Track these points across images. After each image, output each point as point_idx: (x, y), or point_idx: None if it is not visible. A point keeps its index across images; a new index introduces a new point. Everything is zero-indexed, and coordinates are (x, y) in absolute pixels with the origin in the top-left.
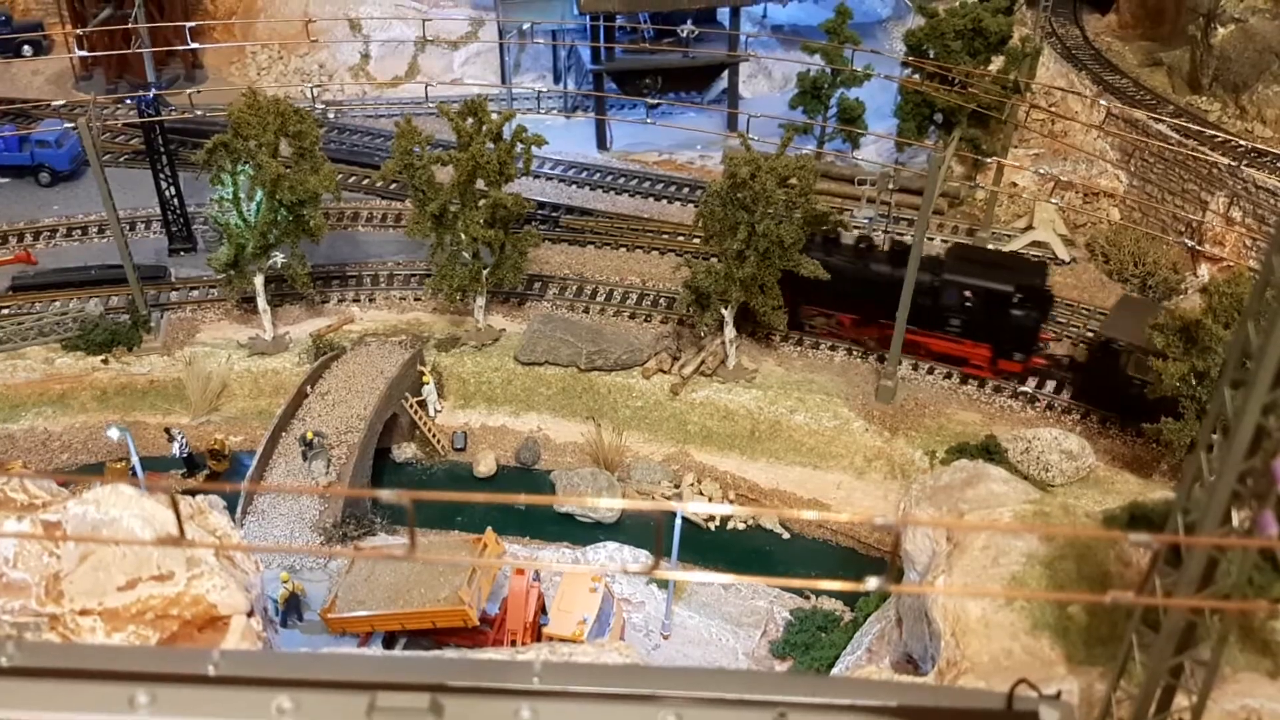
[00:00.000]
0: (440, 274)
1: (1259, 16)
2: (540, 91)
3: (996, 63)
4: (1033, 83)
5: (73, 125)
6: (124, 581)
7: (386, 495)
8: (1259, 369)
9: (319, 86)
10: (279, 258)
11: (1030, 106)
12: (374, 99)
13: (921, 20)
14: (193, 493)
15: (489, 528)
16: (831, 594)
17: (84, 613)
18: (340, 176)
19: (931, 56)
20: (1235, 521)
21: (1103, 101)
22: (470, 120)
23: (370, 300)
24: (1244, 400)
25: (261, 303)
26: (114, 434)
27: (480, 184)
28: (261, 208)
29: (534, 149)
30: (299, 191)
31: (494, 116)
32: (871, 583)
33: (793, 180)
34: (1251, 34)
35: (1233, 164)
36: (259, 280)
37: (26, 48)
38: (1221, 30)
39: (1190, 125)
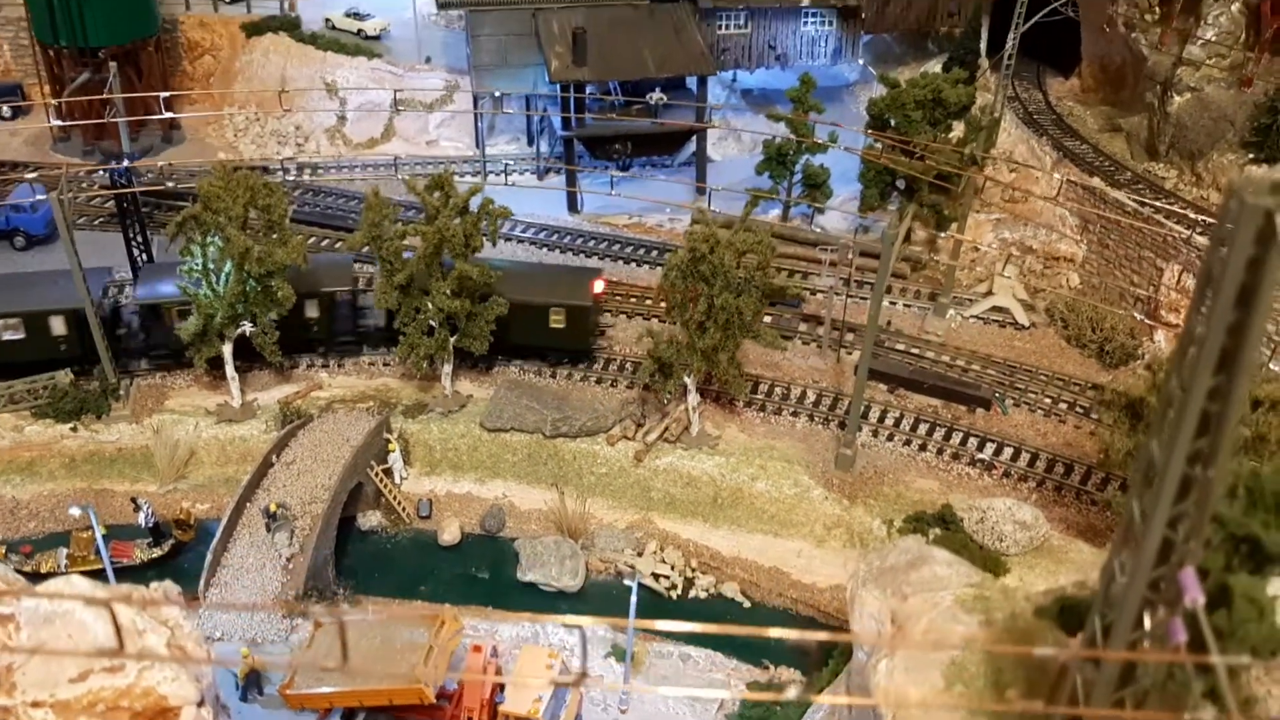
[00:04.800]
0: (407, 342)
1: (1214, 85)
2: (507, 164)
3: (958, 129)
4: (990, 153)
5: (43, 198)
6: (75, 673)
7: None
8: (1162, 483)
9: (298, 146)
10: (247, 327)
11: (985, 179)
12: (349, 161)
13: (883, 89)
14: (156, 561)
15: (446, 604)
16: (787, 663)
17: (35, 705)
18: (313, 240)
19: (893, 125)
20: (1148, 625)
21: (1056, 175)
22: (437, 194)
23: (339, 366)
24: (1150, 512)
25: (229, 370)
26: (75, 512)
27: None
28: (230, 279)
29: (509, 208)
30: (267, 263)
31: (461, 190)
32: (790, 692)
33: (750, 255)
34: (1207, 103)
35: (1185, 233)
36: (227, 349)
37: (5, 109)
38: (1177, 99)
39: (1146, 193)
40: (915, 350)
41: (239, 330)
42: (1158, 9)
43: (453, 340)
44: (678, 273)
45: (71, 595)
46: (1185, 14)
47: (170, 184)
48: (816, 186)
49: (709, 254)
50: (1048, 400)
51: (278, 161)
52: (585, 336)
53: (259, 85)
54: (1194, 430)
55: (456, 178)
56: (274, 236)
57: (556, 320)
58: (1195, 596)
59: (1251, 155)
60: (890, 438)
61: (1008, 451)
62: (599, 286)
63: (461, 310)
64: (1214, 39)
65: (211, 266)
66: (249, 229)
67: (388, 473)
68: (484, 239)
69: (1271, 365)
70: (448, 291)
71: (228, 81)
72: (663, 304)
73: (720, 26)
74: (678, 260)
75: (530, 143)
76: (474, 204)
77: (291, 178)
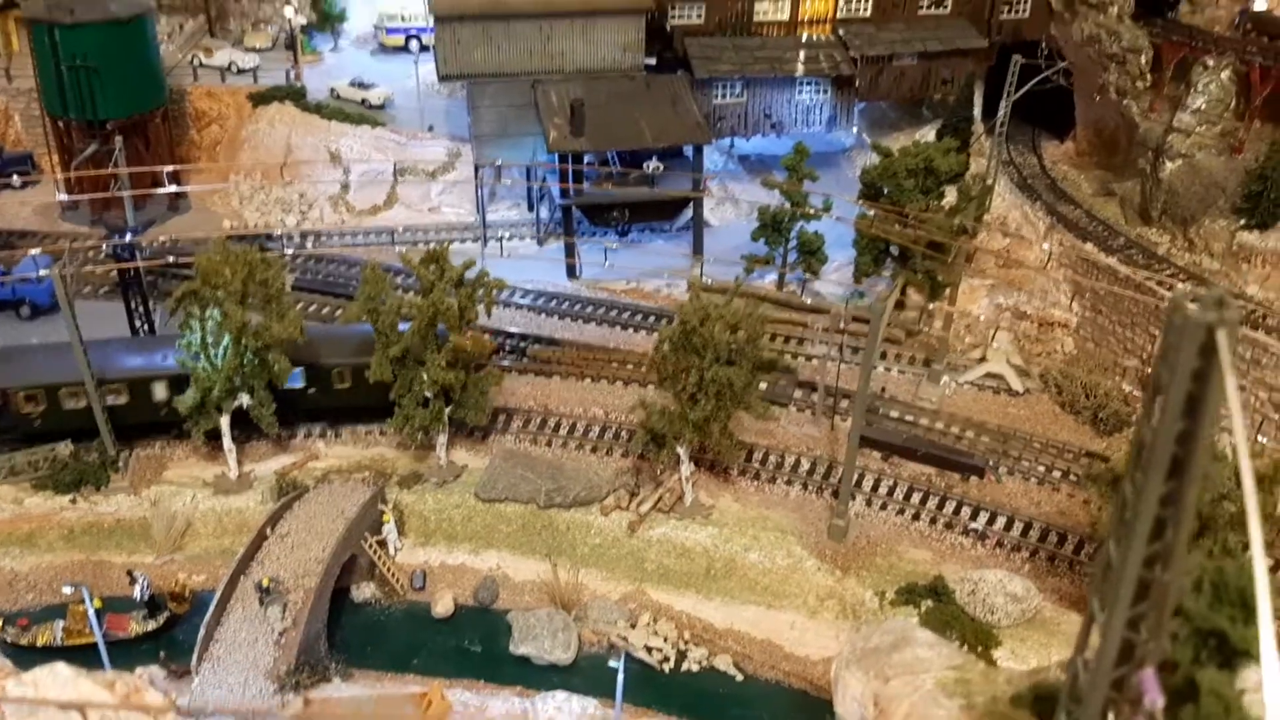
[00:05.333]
0: (403, 414)
1: (1205, 152)
2: (502, 234)
3: (951, 194)
4: (982, 221)
5: (47, 271)
6: None
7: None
8: (1120, 585)
9: (302, 213)
10: (245, 399)
11: (975, 248)
12: (352, 229)
13: (876, 158)
14: (151, 635)
15: (435, 681)
16: None
17: None
18: (314, 307)
19: (885, 193)
20: None
21: (1045, 245)
22: (432, 267)
23: (336, 435)
24: (1108, 616)
25: (227, 442)
26: (68, 590)
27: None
28: (227, 353)
29: (504, 280)
30: (264, 337)
31: (457, 261)
32: None
33: (741, 328)
34: (1198, 169)
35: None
36: (224, 421)
37: (15, 178)
38: (1169, 165)
39: (1138, 258)
40: (910, 417)
41: (236, 403)
42: (1149, 76)
43: (448, 411)
44: (670, 345)
45: (36, 701)
46: (1176, 81)
47: (170, 258)
48: (812, 253)
49: (700, 326)
50: (1041, 468)
51: (281, 229)
52: (384, 396)
53: (265, 154)
54: (1149, 534)
55: (458, 244)
56: (272, 310)
57: (341, 382)
58: (1155, 699)
59: (1243, 221)
60: (884, 507)
61: (1000, 521)
62: None
63: (456, 382)
64: (1204, 107)
65: (210, 340)
66: (249, 302)
67: (382, 544)
68: (479, 311)
69: (1260, 438)
70: (442, 364)
71: (234, 149)
72: (655, 376)
73: (717, 96)
74: (669, 333)
75: (531, 209)
76: (472, 274)
77: (293, 246)
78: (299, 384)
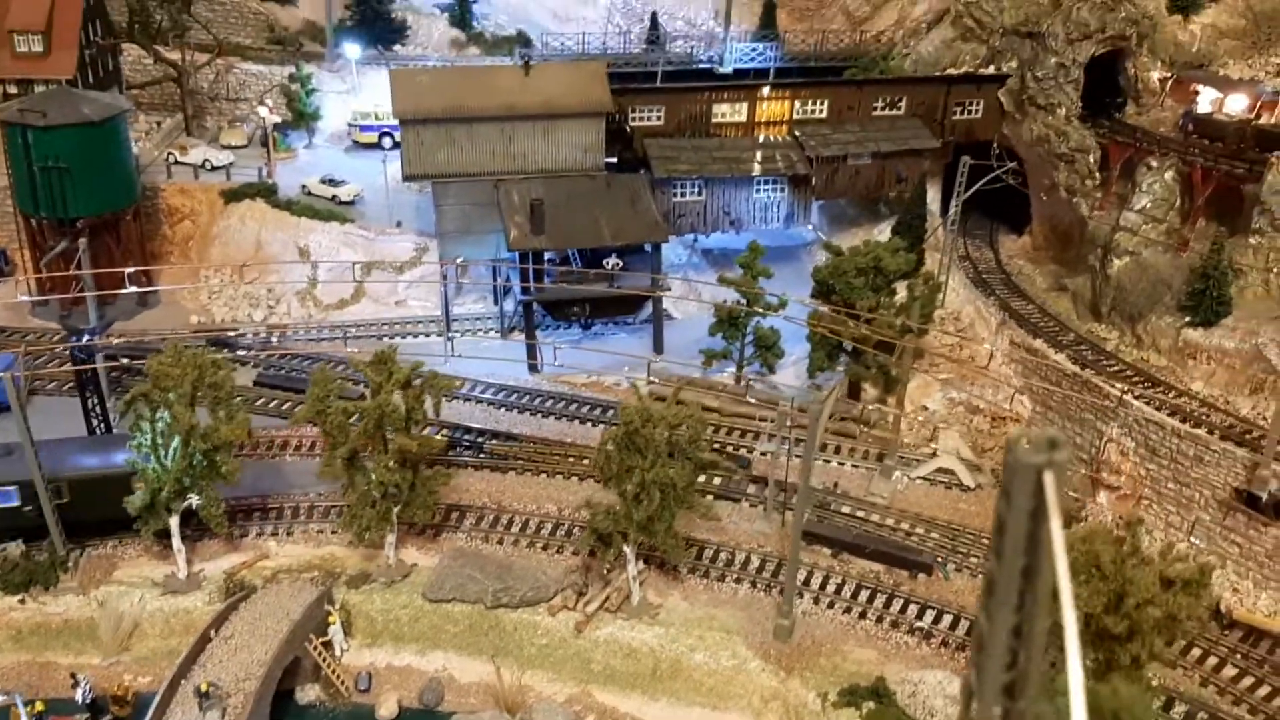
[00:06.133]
0: (350, 514)
1: (1152, 250)
2: (451, 332)
3: (903, 290)
4: (930, 319)
5: (2, 373)
6: None
7: None
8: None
9: (269, 308)
10: (194, 499)
11: (919, 348)
12: (319, 323)
13: (828, 257)
14: None
15: None
16: None
17: None
18: (275, 403)
19: (836, 290)
20: None
21: (986, 344)
22: (381, 369)
23: (288, 534)
24: None
25: (176, 542)
26: (1, 699)
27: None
28: (176, 454)
29: (454, 380)
30: (212, 439)
31: (403, 366)
32: None
33: (683, 428)
34: (1145, 266)
35: (1119, 395)
36: (174, 521)
37: None
38: (1117, 262)
39: (1088, 354)
40: (861, 513)
41: (185, 503)
42: (1097, 175)
43: (396, 511)
44: (613, 445)
45: None
46: (1123, 180)
47: (125, 360)
48: (768, 348)
49: (642, 427)
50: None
51: (247, 324)
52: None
53: (235, 249)
54: (1003, 664)
55: (422, 337)
56: (220, 413)
57: (59, 497)
58: None
59: (1188, 319)
60: (831, 605)
61: (947, 619)
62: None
63: (404, 482)
64: (1149, 205)
65: (160, 441)
66: (199, 403)
67: (327, 645)
68: (427, 412)
69: (1192, 539)
70: (390, 464)
71: (205, 245)
72: (599, 475)
73: (676, 194)
74: (612, 434)
75: (497, 302)
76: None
77: (257, 343)
78: (14, 501)
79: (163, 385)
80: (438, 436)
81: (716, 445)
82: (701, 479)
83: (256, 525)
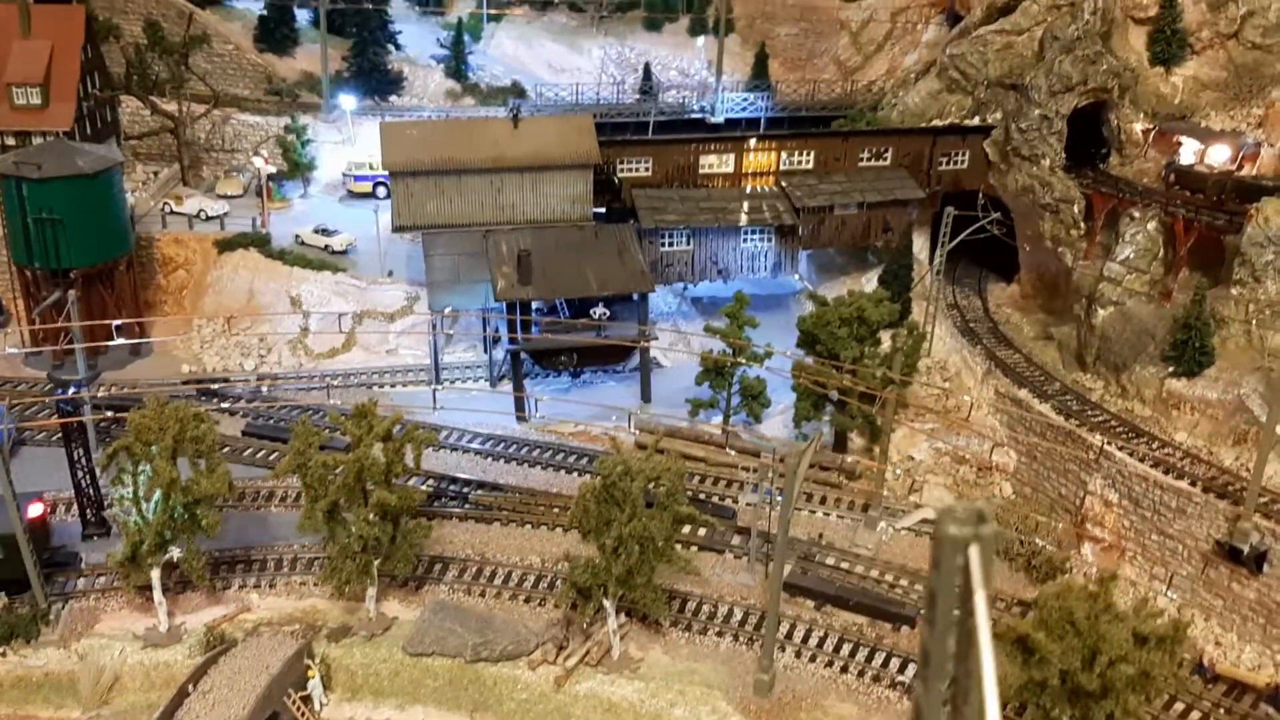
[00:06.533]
0: (331, 566)
1: (1136, 300)
2: (439, 385)
3: (888, 340)
4: (913, 369)
5: None
6: None
7: None
8: None
9: (260, 357)
10: (175, 552)
11: (899, 398)
12: (309, 372)
13: (812, 307)
14: None
15: None
16: None
17: None
18: (263, 453)
19: (821, 341)
20: None
21: (967, 396)
22: (361, 422)
23: (270, 585)
24: None
25: (158, 595)
26: None
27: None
28: (158, 507)
29: (435, 433)
30: (193, 492)
31: (383, 418)
32: None
33: (662, 482)
34: (1129, 316)
35: (1102, 447)
36: (155, 574)
37: None
38: (1101, 312)
39: (1073, 404)
40: (845, 564)
41: (166, 556)
42: (1082, 225)
43: (376, 563)
44: (592, 497)
45: None
46: (1107, 230)
47: (109, 413)
48: (754, 397)
49: (620, 480)
50: None
51: (238, 373)
52: (18, 569)
53: (228, 299)
54: None
55: (412, 386)
56: (201, 467)
57: None
58: None
59: (1171, 369)
60: (813, 658)
61: None
62: (36, 509)
63: (383, 535)
64: (1132, 255)
65: (142, 495)
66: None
67: (307, 700)
68: (407, 465)
69: (1169, 593)
70: (370, 517)
71: (199, 294)
72: (578, 529)
73: (664, 244)
74: (590, 487)
75: (486, 351)
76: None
77: (248, 394)
78: None
79: (144, 438)
80: (423, 487)
81: (701, 496)
82: (687, 529)
83: (240, 577)
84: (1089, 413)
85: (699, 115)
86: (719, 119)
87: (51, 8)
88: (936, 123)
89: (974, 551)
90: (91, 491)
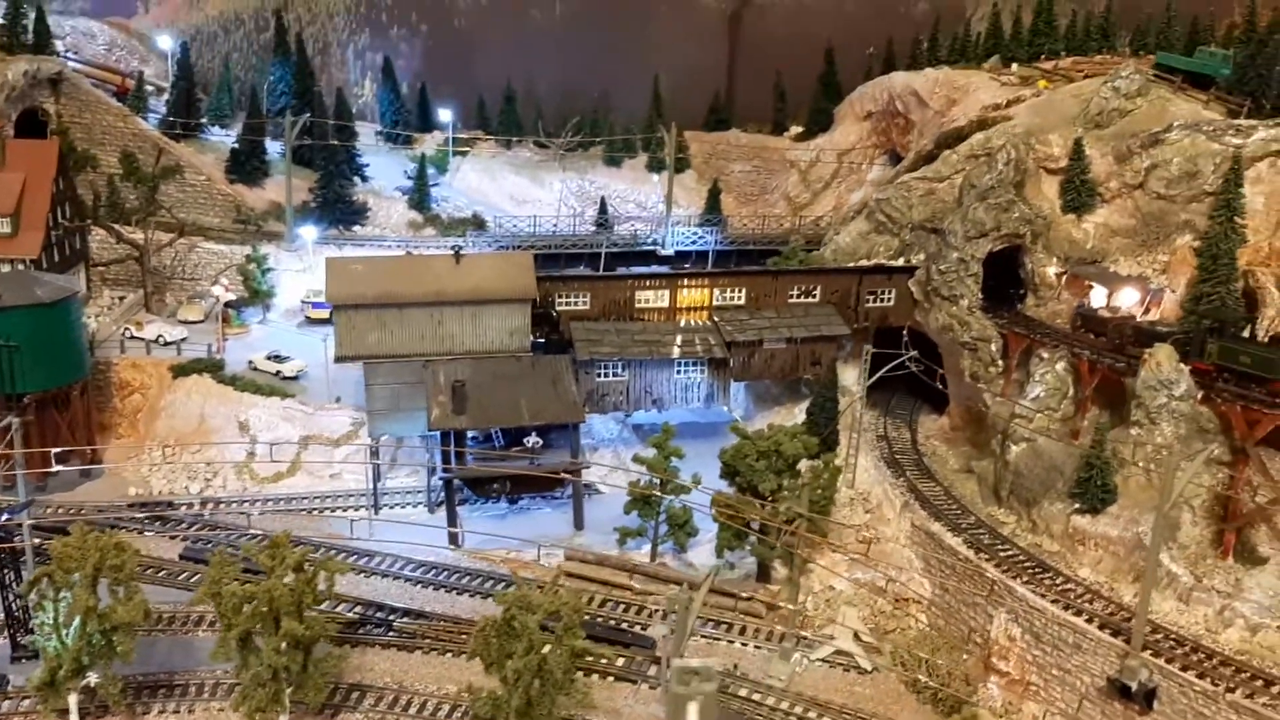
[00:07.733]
0: (242, 694)
1: (1046, 437)
2: (376, 511)
3: (807, 472)
4: (832, 501)
5: None
6: None
7: None
8: None
9: (206, 481)
10: (93, 677)
11: (805, 542)
12: (253, 495)
13: (733, 439)
14: None
15: None
16: None
17: None
18: (198, 578)
19: (740, 473)
20: None
21: (870, 532)
22: (276, 553)
23: (190, 711)
24: None
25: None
26: None
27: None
28: (76, 633)
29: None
30: (110, 619)
31: (295, 551)
32: None
33: (562, 615)
34: (1040, 453)
35: (993, 584)
36: (72, 699)
37: None
38: (1014, 448)
39: (984, 538)
40: (757, 696)
41: (84, 681)
42: (1000, 363)
43: (288, 692)
44: (492, 630)
45: None
46: (1022, 368)
47: (36, 541)
48: (679, 526)
49: (519, 614)
50: None
51: (183, 496)
52: None
53: (180, 423)
54: None
55: (351, 511)
56: (120, 594)
57: None
58: None
59: (1076, 505)
60: None
61: None
62: None
63: (293, 664)
64: (1042, 394)
65: (61, 621)
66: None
67: None
68: (318, 595)
69: None
70: (280, 646)
71: (153, 418)
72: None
73: (600, 374)
74: (489, 620)
75: (430, 475)
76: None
77: (190, 515)
78: None
79: (65, 566)
80: (350, 614)
81: (624, 625)
82: (606, 659)
83: (160, 702)
84: (999, 547)
85: (651, 247)
86: (669, 251)
87: (27, 142)
88: (864, 262)
89: (693, 708)
90: (21, 615)
